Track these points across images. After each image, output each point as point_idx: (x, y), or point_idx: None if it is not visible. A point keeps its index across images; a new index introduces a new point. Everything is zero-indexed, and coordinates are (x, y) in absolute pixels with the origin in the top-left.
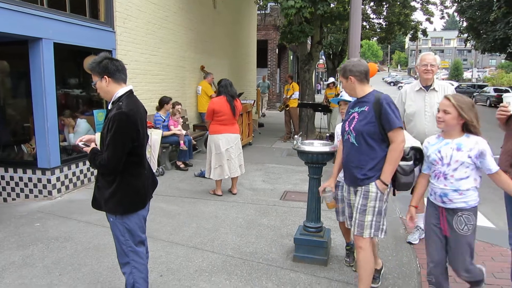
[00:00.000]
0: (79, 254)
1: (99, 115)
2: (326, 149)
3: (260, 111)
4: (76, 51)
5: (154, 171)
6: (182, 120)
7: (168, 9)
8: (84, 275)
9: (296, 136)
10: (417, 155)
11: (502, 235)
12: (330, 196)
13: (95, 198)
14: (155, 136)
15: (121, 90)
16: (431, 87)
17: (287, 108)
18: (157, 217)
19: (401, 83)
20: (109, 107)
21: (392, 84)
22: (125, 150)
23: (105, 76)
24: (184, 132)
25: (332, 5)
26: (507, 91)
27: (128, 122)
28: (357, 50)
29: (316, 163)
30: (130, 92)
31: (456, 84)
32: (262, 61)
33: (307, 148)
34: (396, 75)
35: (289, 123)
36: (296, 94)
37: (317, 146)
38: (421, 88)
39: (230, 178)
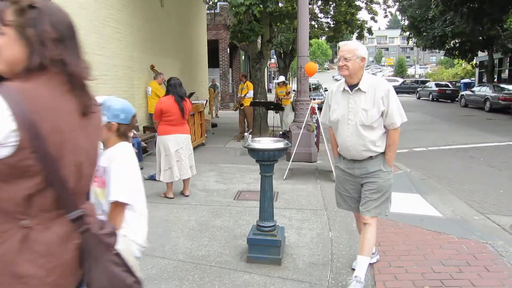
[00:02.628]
0: None
1: None
2: (277, 145)
3: (213, 112)
4: None
5: None
6: None
7: (112, 6)
8: None
9: (246, 134)
10: None
11: (448, 224)
12: None
13: None
14: None
15: None
16: (356, 87)
17: (242, 107)
18: None
19: None
20: None
21: None
22: None
23: None
24: (132, 134)
25: (281, 4)
26: (447, 85)
27: None
28: (306, 47)
29: (267, 161)
30: None
31: (401, 80)
32: (213, 61)
33: (257, 145)
34: None
35: (243, 122)
36: (251, 93)
37: (267, 143)
38: (345, 88)
39: (182, 180)
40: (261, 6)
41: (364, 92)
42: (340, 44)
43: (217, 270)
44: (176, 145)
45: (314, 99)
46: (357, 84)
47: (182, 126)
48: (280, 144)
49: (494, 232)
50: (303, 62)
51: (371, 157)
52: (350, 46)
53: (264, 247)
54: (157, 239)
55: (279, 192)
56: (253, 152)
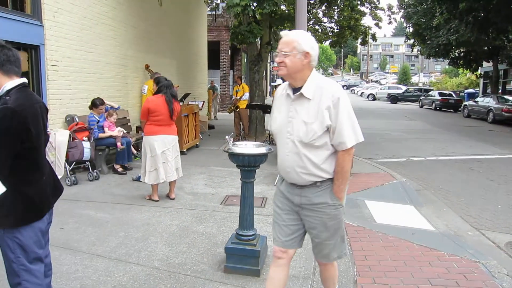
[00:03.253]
0: None
1: None
2: (258, 150)
3: (211, 113)
4: None
5: (59, 176)
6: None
7: (106, 3)
8: None
9: (227, 137)
10: None
11: (440, 239)
12: None
13: None
14: (60, 137)
15: (10, 83)
16: (299, 92)
17: (237, 110)
18: (81, 226)
19: (354, 86)
20: None
21: (345, 87)
22: (10, 153)
23: None
24: (121, 133)
25: (283, 7)
26: (450, 95)
27: (14, 120)
28: None
29: (248, 166)
30: (23, 85)
31: (404, 88)
32: (214, 63)
33: (238, 150)
34: (349, 79)
35: (239, 125)
36: (246, 95)
37: (249, 147)
38: (287, 92)
39: (168, 182)
40: (260, 8)
41: (308, 99)
42: (281, 33)
43: (192, 279)
44: (162, 146)
45: None
46: (300, 88)
47: (170, 127)
48: (262, 149)
49: (488, 250)
50: None
51: (315, 183)
52: (289, 37)
53: (243, 257)
54: (134, 244)
55: (268, 198)
56: (233, 156)
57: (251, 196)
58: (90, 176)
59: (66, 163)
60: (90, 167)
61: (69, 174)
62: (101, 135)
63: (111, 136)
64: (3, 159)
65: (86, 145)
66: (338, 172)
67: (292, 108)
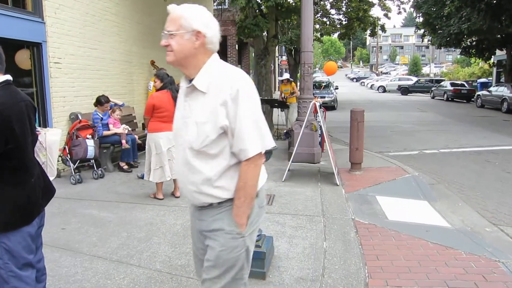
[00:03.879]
0: None
1: None
2: None
3: None
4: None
5: (52, 178)
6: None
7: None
8: None
9: None
10: None
11: (457, 236)
12: None
13: None
14: (51, 137)
15: None
16: (191, 83)
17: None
18: (84, 226)
19: (364, 79)
20: None
21: (354, 80)
22: None
23: None
24: (126, 131)
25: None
26: (462, 85)
27: None
28: (310, 43)
29: None
30: (6, 82)
31: (415, 79)
32: (221, 58)
33: None
34: (359, 71)
35: None
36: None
37: None
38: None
39: (173, 180)
40: (265, 0)
41: (203, 93)
42: (168, 8)
43: (194, 282)
44: (168, 143)
45: (316, 96)
46: (193, 80)
47: None
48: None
49: (508, 247)
50: (306, 57)
51: (211, 205)
52: (175, 13)
53: None
54: (136, 245)
55: (276, 195)
56: None
57: None
58: (95, 174)
59: (70, 162)
60: (95, 165)
61: (73, 173)
62: (105, 132)
63: (115, 134)
64: None
65: (90, 143)
66: (240, 189)
67: (186, 105)
